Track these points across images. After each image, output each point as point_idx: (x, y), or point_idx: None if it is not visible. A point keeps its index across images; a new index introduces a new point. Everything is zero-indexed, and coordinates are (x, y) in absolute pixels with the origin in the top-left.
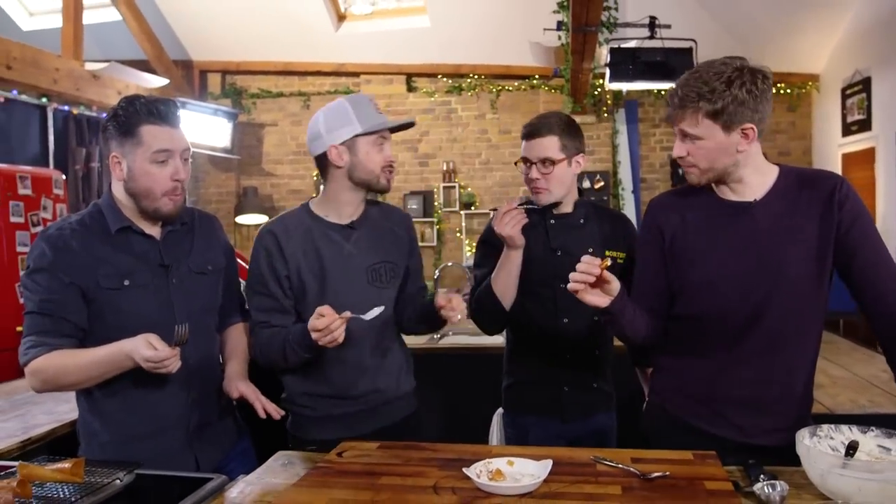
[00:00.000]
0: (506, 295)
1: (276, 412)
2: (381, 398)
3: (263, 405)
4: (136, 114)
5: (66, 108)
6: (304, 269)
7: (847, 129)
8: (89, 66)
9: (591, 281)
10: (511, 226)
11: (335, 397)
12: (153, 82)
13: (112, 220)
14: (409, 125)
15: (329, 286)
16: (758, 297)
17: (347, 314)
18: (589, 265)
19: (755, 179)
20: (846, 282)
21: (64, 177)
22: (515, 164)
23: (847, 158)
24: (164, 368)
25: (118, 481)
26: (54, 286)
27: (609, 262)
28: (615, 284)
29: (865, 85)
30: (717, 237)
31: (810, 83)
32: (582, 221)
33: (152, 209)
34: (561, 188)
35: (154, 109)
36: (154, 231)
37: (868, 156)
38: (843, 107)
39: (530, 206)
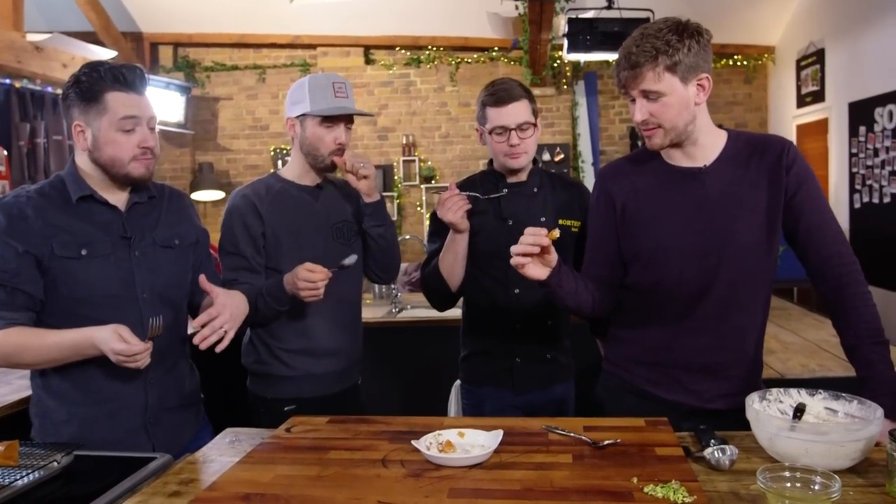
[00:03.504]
0: (452, 276)
1: (206, 343)
2: (355, 355)
3: (209, 332)
4: (100, 80)
5: (8, 81)
6: (278, 226)
7: (801, 101)
8: (31, 38)
9: (536, 252)
10: (453, 211)
11: (316, 354)
12: (100, 55)
13: (73, 189)
14: (368, 114)
15: (302, 241)
16: (709, 264)
17: (328, 272)
18: (535, 237)
19: (707, 142)
20: (792, 245)
21: (6, 153)
22: (490, 132)
23: (801, 129)
24: (133, 363)
25: (55, 463)
26: (8, 255)
27: (558, 234)
28: (553, 256)
29: (819, 56)
30: (667, 204)
31: (766, 55)
32: (535, 190)
33: (122, 174)
34: (534, 150)
35: (119, 75)
36: (119, 201)
37: (821, 126)
38: (798, 78)
39: (472, 194)
